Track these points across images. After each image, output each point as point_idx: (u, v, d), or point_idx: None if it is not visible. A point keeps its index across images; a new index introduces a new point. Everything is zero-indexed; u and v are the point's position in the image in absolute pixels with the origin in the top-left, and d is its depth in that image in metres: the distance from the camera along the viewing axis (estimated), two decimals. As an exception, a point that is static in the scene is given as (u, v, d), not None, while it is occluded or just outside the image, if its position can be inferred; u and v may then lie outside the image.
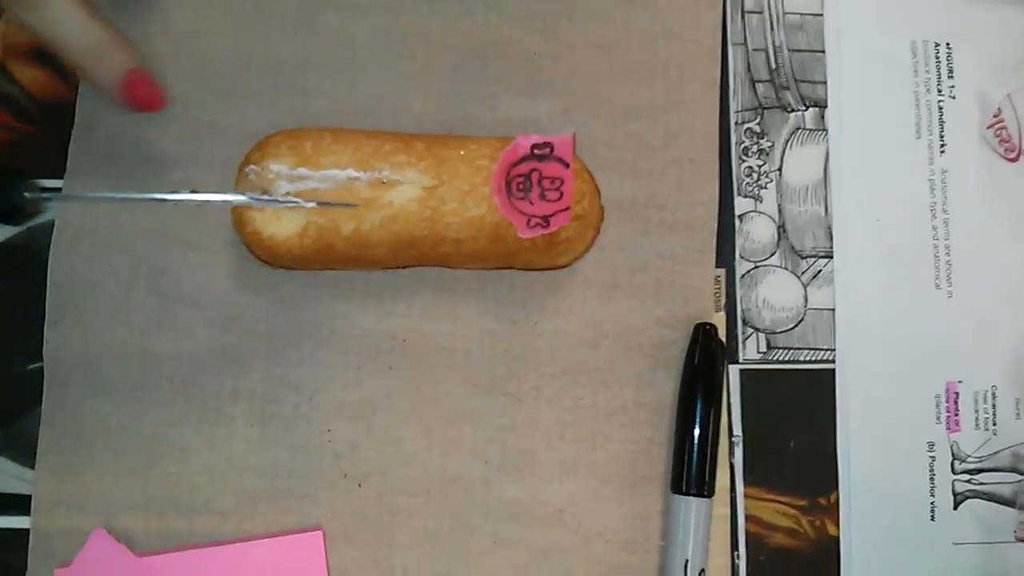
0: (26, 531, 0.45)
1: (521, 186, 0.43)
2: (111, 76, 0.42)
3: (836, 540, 0.48)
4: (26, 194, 0.41)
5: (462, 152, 0.44)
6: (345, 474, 0.46)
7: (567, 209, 0.43)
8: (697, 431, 0.46)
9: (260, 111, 0.48)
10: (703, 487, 0.46)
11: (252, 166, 0.43)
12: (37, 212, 0.47)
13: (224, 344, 0.47)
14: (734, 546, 0.47)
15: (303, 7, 0.49)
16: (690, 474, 0.46)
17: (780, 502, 0.48)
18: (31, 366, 0.47)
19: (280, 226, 0.42)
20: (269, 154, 0.43)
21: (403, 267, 0.46)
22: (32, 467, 0.46)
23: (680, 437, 0.46)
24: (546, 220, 0.43)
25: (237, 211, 0.43)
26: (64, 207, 0.47)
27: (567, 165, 0.43)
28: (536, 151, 0.43)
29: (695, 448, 0.46)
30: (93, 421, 0.46)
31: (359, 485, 0.46)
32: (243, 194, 0.42)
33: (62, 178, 0.48)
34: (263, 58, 0.48)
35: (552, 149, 0.43)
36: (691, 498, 0.45)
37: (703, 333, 0.47)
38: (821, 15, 0.51)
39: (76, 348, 0.47)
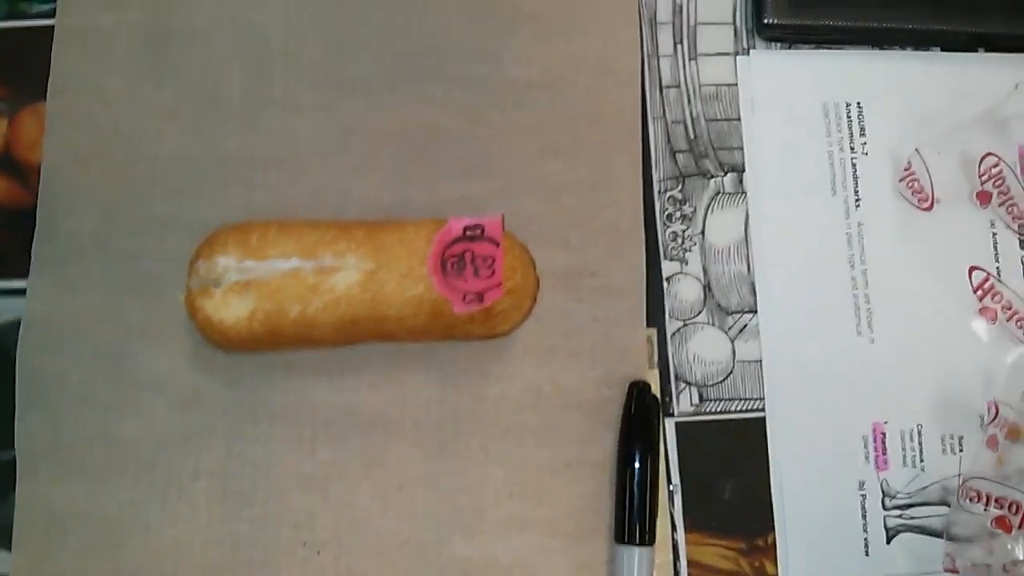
0: (5, 613, 0.47)
1: (456, 265, 0.46)
2: None
3: (775, 579, 0.50)
4: None
5: (399, 235, 0.46)
6: (304, 542, 0.49)
7: (499, 285, 0.46)
8: (636, 483, 0.48)
9: (209, 205, 0.51)
10: (644, 535, 0.48)
11: (201, 261, 0.46)
12: None
13: (184, 426, 0.49)
14: (678, 592, 0.50)
15: (248, 106, 0.52)
16: (631, 524, 0.48)
17: (720, 545, 0.50)
18: (4, 455, 0.49)
19: (229, 311, 0.45)
20: (217, 249, 0.46)
21: (351, 344, 0.49)
22: (10, 550, 0.48)
23: (620, 489, 0.49)
24: (480, 296, 0.46)
25: (190, 299, 0.46)
26: (31, 306, 0.50)
27: (497, 244, 0.46)
28: (468, 232, 0.46)
29: (635, 499, 0.48)
30: (63, 504, 0.48)
31: (317, 552, 0.48)
32: None
33: (26, 278, 0.50)
34: (211, 155, 0.51)
35: (483, 230, 0.46)
36: (634, 547, 0.48)
37: (637, 390, 0.49)
38: (735, 84, 0.54)
39: (45, 436, 0.49)
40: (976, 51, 0.55)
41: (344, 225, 0.47)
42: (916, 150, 0.53)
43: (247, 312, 0.45)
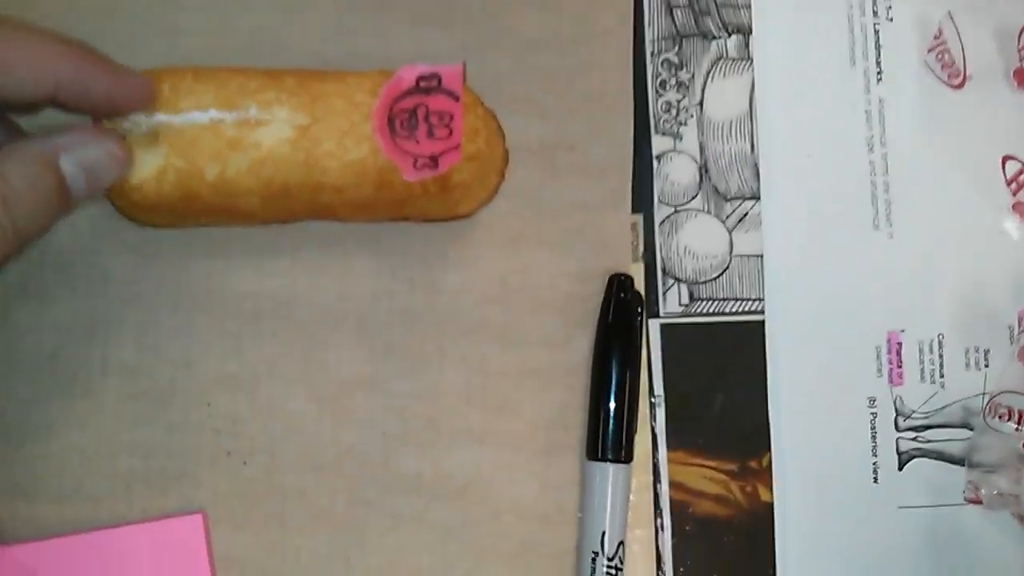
0: None
1: (406, 123, 0.39)
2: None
3: (770, 506, 0.44)
4: None
5: (339, 86, 0.39)
6: (228, 452, 0.43)
7: (457, 147, 0.39)
8: (613, 391, 0.42)
9: (122, 54, 0.43)
10: (620, 452, 0.42)
11: (105, 114, 0.39)
12: None
13: (91, 311, 0.43)
14: (658, 516, 0.44)
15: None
16: (606, 438, 0.42)
17: (707, 467, 0.44)
18: None
19: (135, 169, 0.38)
20: (124, 100, 0.39)
21: (283, 221, 0.42)
22: None
23: (595, 399, 0.43)
24: (434, 160, 0.39)
25: None
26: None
27: (457, 98, 0.39)
28: (422, 83, 0.39)
29: (611, 410, 0.42)
30: (-51, 401, 0.42)
31: (244, 463, 0.43)
32: None
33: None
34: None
35: (440, 81, 0.39)
36: (608, 464, 0.42)
37: (618, 284, 0.43)
38: (744, -69, 0.47)
39: (-72, 322, 0.43)
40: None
41: (274, 73, 0.40)
42: (948, 14, 0.46)
43: (155, 171, 0.38)
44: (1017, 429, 0.42)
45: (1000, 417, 0.43)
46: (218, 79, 0.39)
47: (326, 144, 0.39)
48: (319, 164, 0.39)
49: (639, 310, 0.43)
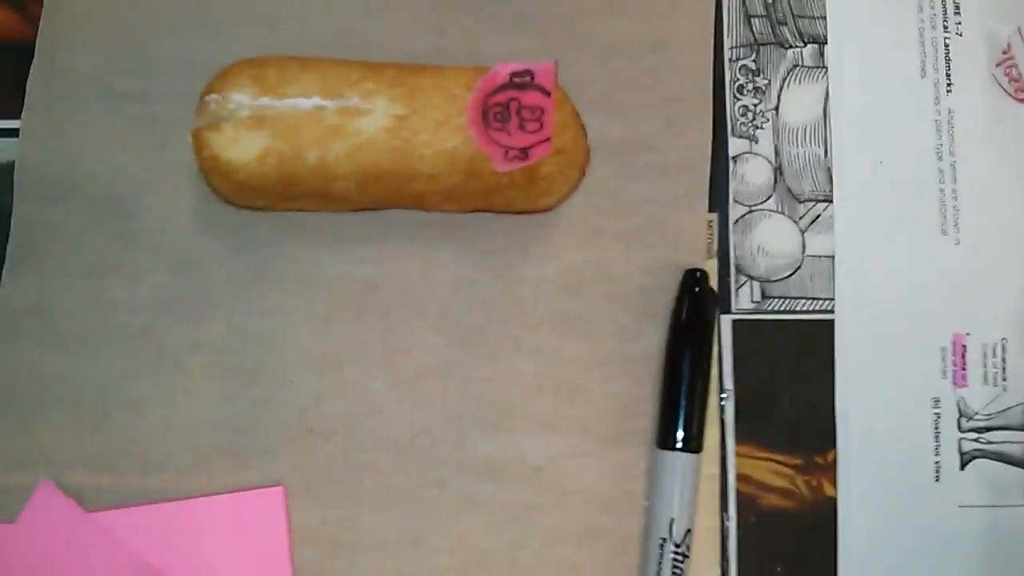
0: (-30, 488, 0.43)
1: (499, 116, 0.40)
2: None
3: (833, 501, 0.45)
4: None
5: (436, 80, 0.41)
6: (310, 429, 0.44)
7: (547, 140, 0.40)
8: (685, 382, 0.43)
9: (223, 44, 0.45)
10: (690, 442, 0.43)
11: (213, 95, 0.40)
12: None
13: (183, 290, 0.44)
14: (724, 507, 0.45)
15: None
16: (676, 428, 0.43)
17: (774, 460, 0.45)
18: (-26, 314, 0.44)
19: (239, 149, 0.40)
20: (231, 83, 0.40)
21: (374, 208, 0.44)
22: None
23: (667, 389, 0.43)
24: (525, 152, 0.40)
25: (197, 135, 0.40)
26: (25, 147, 0.45)
27: (548, 94, 0.40)
28: (515, 79, 0.41)
29: (682, 400, 0.43)
30: (44, 372, 0.44)
31: (324, 440, 0.44)
32: None
33: (18, 117, 0.45)
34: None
35: (532, 77, 0.40)
36: (677, 453, 0.43)
37: (693, 280, 0.44)
38: (821, -54, 0.48)
39: (31, 295, 0.44)
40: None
41: (374, 65, 0.41)
42: (1018, 30, 0.47)
43: (258, 152, 0.40)
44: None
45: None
46: (322, 68, 0.41)
47: (423, 134, 0.40)
48: (414, 152, 0.40)
49: (713, 305, 0.44)
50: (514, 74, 0.40)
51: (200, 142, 0.40)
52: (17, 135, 0.45)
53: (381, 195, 0.42)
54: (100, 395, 0.44)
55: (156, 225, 0.45)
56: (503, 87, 0.40)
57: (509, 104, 0.40)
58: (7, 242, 0.44)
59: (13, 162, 0.45)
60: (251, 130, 0.40)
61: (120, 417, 0.44)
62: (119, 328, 0.44)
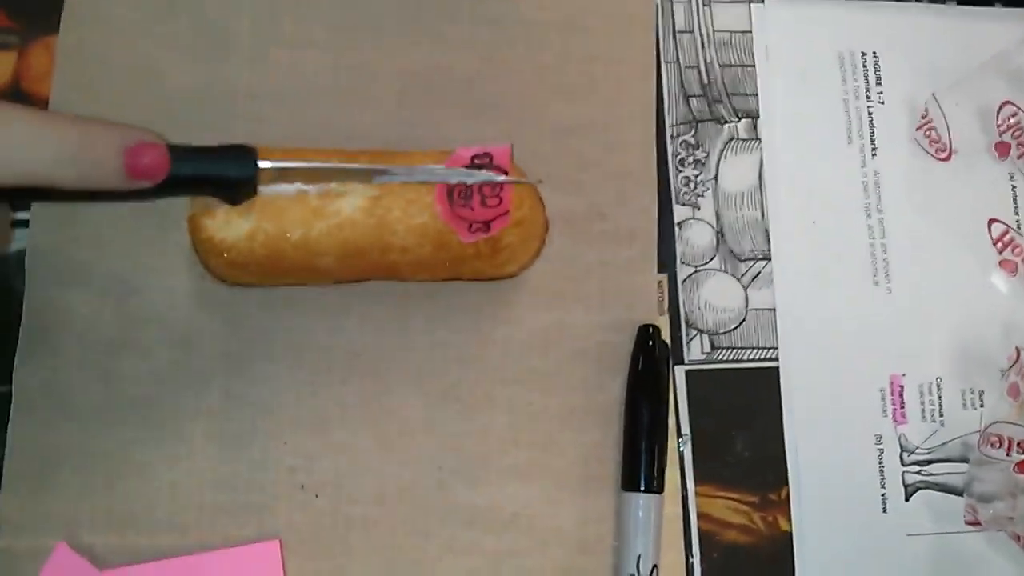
0: (-8, 551, 0.46)
1: (462, 194, 0.45)
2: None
3: (789, 535, 0.48)
4: (260, 164, 0.42)
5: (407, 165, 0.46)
6: (302, 486, 0.47)
7: (507, 213, 0.45)
8: (644, 429, 0.47)
9: (217, 138, 0.49)
10: (652, 483, 0.46)
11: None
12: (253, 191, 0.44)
13: (184, 363, 0.48)
14: (687, 544, 0.48)
15: (256, 42, 0.51)
16: (639, 471, 0.46)
17: (731, 499, 0.49)
18: (-1, 390, 0.48)
19: (231, 230, 0.44)
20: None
21: (354, 280, 0.48)
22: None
23: (628, 436, 0.47)
24: (487, 225, 0.45)
25: (193, 219, 0.45)
26: (35, 236, 0.49)
27: (506, 173, 0.45)
28: (476, 161, 0.45)
29: (643, 445, 0.47)
30: (58, 442, 0.47)
31: (315, 496, 0.47)
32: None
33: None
34: (220, 89, 0.51)
35: (491, 159, 0.45)
36: (641, 494, 0.46)
37: (646, 335, 0.48)
38: (750, 32, 0.53)
39: (45, 371, 0.48)
40: (992, 5, 0.55)
41: (349, 153, 0.46)
42: (933, 95, 0.52)
43: (248, 232, 0.44)
44: (1008, 455, 0.46)
45: (992, 445, 0.47)
46: (303, 157, 0.45)
47: (395, 211, 0.45)
48: (388, 227, 0.45)
49: (666, 356, 0.48)
50: (475, 156, 0.45)
51: (195, 225, 0.45)
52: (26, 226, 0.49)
53: (359, 267, 0.46)
54: (110, 462, 0.47)
55: (159, 303, 0.49)
56: (465, 168, 0.45)
57: (471, 184, 0.45)
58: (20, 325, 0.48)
59: (22, 251, 0.49)
60: (240, 215, 0.44)
61: (129, 481, 0.47)
62: (126, 399, 0.48)
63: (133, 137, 0.38)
